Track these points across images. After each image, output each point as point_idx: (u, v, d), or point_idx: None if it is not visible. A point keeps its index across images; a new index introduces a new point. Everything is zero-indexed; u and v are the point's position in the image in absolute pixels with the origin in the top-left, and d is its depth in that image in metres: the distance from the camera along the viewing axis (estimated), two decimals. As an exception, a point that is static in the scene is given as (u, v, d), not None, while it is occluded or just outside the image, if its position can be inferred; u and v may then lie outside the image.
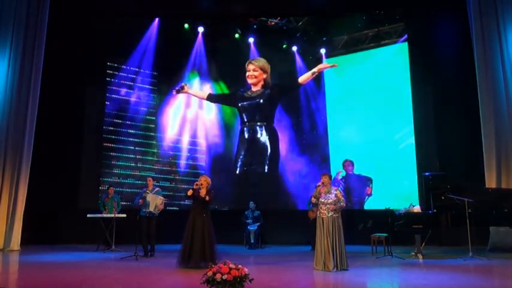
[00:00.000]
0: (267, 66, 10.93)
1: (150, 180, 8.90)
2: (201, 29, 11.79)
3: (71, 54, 10.90)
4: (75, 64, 10.99)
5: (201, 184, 7.25)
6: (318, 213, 7.05)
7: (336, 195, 6.96)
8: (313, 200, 7.13)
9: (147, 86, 11.69)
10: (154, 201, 8.44)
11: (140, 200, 8.58)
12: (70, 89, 10.98)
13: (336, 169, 10.90)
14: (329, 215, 6.91)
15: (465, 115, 10.13)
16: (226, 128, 11.65)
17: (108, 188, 10.09)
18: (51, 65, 10.28)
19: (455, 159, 10.06)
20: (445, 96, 10.47)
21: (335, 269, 6.71)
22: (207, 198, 7.19)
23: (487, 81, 9.38)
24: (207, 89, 11.69)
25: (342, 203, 6.95)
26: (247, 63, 11.06)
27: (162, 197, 8.59)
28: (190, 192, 7.23)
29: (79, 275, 6.77)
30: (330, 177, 7.25)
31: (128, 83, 11.57)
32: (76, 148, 11.10)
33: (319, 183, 7.17)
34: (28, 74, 9.85)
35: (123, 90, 11.52)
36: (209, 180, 7.53)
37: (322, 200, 6.99)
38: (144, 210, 8.48)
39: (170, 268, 7.17)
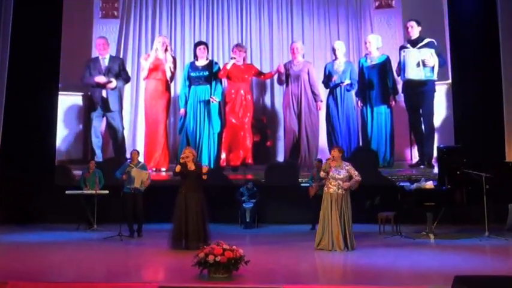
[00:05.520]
0: None
1: (135, 154, 8.87)
2: None
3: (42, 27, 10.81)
4: (51, 35, 10.95)
5: (187, 157, 7.22)
6: (326, 188, 7.11)
7: (347, 171, 7.02)
8: (322, 174, 7.18)
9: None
10: (140, 177, 8.43)
11: (124, 175, 8.60)
12: (43, 54, 10.91)
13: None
14: (338, 191, 6.98)
15: (485, 84, 10.12)
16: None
17: (88, 162, 10.10)
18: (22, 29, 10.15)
19: (473, 130, 10.08)
20: (463, 64, 10.42)
21: (346, 248, 6.84)
22: (204, 176, 7.19)
23: (510, 47, 9.32)
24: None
25: (357, 177, 7.03)
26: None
27: (148, 172, 8.59)
28: (178, 169, 7.20)
29: (59, 256, 6.85)
30: (341, 151, 7.29)
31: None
32: (52, 119, 11.06)
33: (329, 157, 7.23)
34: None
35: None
36: (194, 151, 7.53)
37: (332, 175, 7.03)
38: (128, 186, 8.50)
39: (158, 249, 7.25)
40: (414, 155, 10.75)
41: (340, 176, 7.02)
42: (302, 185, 10.11)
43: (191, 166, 7.22)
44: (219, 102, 11.20)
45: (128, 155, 10.52)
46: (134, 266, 6.28)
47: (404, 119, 10.81)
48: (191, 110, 11.20)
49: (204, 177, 7.24)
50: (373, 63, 10.91)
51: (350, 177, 7.06)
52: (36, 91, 10.88)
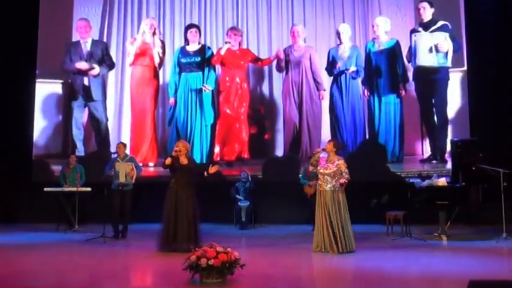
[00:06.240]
0: None
1: (120, 147, 8.85)
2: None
3: None
4: (27, 17, 10.92)
5: (180, 150, 7.24)
6: (318, 185, 7.18)
7: (337, 166, 7.04)
8: (311, 168, 7.27)
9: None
10: (124, 170, 8.46)
11: (111, 171, 8.65)
12: (19, 38, 10.90)
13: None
14: (327, 187, 7.02)
15: (504, 72, 10.13)
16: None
17: (68, 156, 10.08)
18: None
19: (490, 122, 10.11)
20: (480, 49, 10.41)
21: (338, 251, 6.87)
22: (211, 170, 7.22)
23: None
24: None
25: (346, 176, 7.04)
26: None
27: (131, 163, 8.61)
28: (169, 161, 7.23)
29: (36, 259, 6.85)
30: (336, 146, 7.31)
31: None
32: (28, 109, 11.03)
33: (318, 149, 7.30)
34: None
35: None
36: (188, 145, 7.57)
37: (320, 170, 7.08)
38: (115, 182, 8.51)
39: (145, 251, 7.26)
40: (426, 149, 10.76)
41: (327, 171, 7.05)
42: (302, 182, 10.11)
43: (183, 160, 7.25)
44: (212, 91, 11.18)
45: (112, 149, 10.52)
46: (119, 270, 6.29)
47: (415, 109, 10.80)
48: (181, 99, 11.18)
49: (208, 174, 7.29)
50: (381, 48, 10.89)
51: (341, 174, 7.06)
52: (11, 78, 10.86)
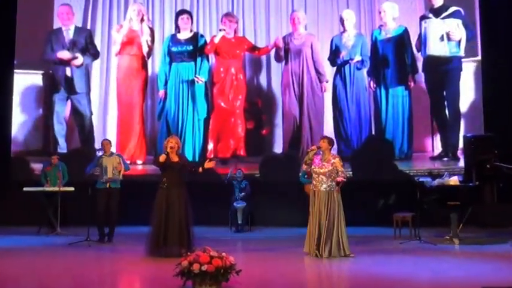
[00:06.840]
0: None
1: (107, 144, 8.86)
2: None
3: None
4: (4, 2, 10.98)
5: (173, 147, 7.27)
6: (312, 185, 7.23)
7: (332, 165, 7.09)
8: (305, 167, 7.33)
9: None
10: (111, 164, 8.53)
11: (95, 168, 8.65)
12: None
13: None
14: (322, 188, 7.06)
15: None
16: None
17: (50, 154, 10.10)
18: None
19: (506, 116, 10.14)
20: (495, 38, 10.44)
21: (327, 255, 6.93)
22: (204, 166, 7.28)
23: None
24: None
25: (342, 175, 7.10)
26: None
27: (118, 157, 8.70)
28: (163, 158, 7.24)
29: (17, 265, 6.85)
30: (331, 143, 7.37)
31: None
32: (6, 102, 11.03)
33: (313, 147, 7.35)
34: None
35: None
36: (180, 142, 7.60)
37: (315, 169, 7.12)
38: (101, 180, 8.52)
39: (133, 256, 7.28)
40: (436, 146, 10.81)
41: (322, 170, 7.09)
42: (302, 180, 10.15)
43: (174, 158, 7.27)
44: (206, 82, 11.20)
45: (97, 145, 10.53)
46: (105, 276, 6.30)
47: (424, 102, 10.86)
48: (172, 91, 11.19)
49: (203, 169, 7.34)
50: (389, 36, 10.92)
51: (337, 173, 7.11)
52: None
